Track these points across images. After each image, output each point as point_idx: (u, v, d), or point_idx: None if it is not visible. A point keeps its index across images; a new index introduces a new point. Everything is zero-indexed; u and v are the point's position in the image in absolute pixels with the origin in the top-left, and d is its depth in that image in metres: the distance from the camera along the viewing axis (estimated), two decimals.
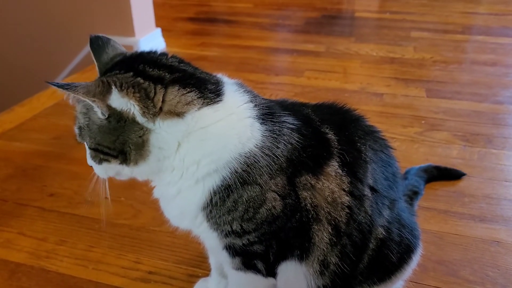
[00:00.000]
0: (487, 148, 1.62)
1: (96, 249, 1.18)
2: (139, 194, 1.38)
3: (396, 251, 0.83)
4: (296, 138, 0.74)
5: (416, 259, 0.89)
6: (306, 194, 0.74)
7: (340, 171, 0.76)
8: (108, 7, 2.37)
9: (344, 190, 0.76)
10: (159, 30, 2.61)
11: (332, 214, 0.75)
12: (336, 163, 0.76)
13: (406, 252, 0.85)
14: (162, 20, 2.79)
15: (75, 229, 1.25)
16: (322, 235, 0.76)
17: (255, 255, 0.77)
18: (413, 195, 1.25)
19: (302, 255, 0.77)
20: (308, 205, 0.74)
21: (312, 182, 0.74)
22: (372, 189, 0.79)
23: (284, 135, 0.74)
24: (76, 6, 2.44)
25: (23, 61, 2.65)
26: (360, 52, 2.58)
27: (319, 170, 0.75)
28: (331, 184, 0.75)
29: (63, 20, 2.49)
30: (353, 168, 0.77)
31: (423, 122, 1.80)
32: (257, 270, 0.79)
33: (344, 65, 2.40)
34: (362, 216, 0.78)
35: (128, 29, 2.39)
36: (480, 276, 1.09)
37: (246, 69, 2.33)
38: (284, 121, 0.75)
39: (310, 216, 0.75)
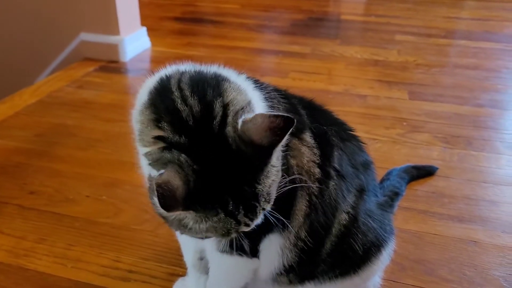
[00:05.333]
0: (467, 150, 1.65)
1: (76, 247, 1.17)
2: (120, 193, 1.37)
3: (361, 242, 0.83)
4: (282, 104, 0.76)
5: (387, 254, 0.90)
6: (292, 160, 0.75)
7: (312, 141, 0.77)
8: (93, 5, 2.35)
9: (315, 162, 0.77)
10: (144, 29, 2.59)
11: (308, 183, 0.77)
12: (309, 133, 0.77)
13: (374, 244, 0.85)
14: (148, 19, 2.78)
15: (55, 227, 1.24)
16: (302, 203, 0.77)
17: (245, 233, 0.76)
18: (393, 196, 1.27)
19: (285, 224, 0.77)
20: (295, 167, 0.75)
21: (296, 147, 0.75)
22: (337, 172, 0.80)
23: (273, 98, 0.75)
24: (61, 3, 2.41)
25: (6, 58, 2.62)
26: (345, 54, 2.60)
27: (301, 136, 0.76)
28: (307, 152, 0.76)
29: (47, 17, 2.46)
30: (321, 145, 0.78)
31: (405, 124, 1.82)
32: (243, 251, 0.78)
33: (329, 67, 2.42)
34: (327, 195, 0.78)
35: (112, 28, 2.37)
36: (458, 275, 1.11)
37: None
38: (271, 90, 0.77)
39: (296, 181, 0.75)
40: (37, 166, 1.51)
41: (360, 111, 1.93)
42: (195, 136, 0.61)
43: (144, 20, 2.61)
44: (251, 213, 0.63)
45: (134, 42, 2.48)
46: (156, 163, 0.62)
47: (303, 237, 0.79)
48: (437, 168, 1.49)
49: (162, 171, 0.59)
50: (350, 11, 3.58)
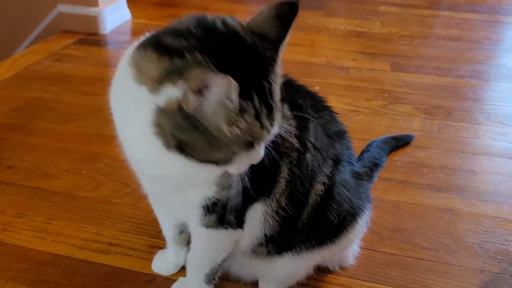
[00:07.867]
0: (446, 120, 1.66)
1: (56, 221, 1.17)
2: (100, 166, 1.36)
3: (336, 212, 0.84)
4: None
5: (363, 222, 0.91)
6: None
7: (289, 113, 0.78)
8: None
9: (291, 132, 0.77)
10: (124, 0, 2.53)
11: (288, 152, 0.77)
12: (286, 105, 0.77)
13: (349, 213, 0.87)
14: None
15: (34, 201, 1.23)
16: (284, 170, 0.78)
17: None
18: (373, 167, 1.28)
19: (269, 192, 0.78)
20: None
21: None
22: (313, 145, 0.81)
23: None
24: None
25: None
26: (328, 26, 2.57)
27: None
28: (285, 122, 0.75)
29: None
30: (297, 117, 0.79)
31: (386, 95, 1.82)
32: (228, 224, 0.78)
33: (312, 38, 2.39)
34: (304, 166, 0.79)
35: None
36: (433, 243, 1.13)
37: None
38: None
39: (280, 150, 0.75)
40: (15, 141, 1.49)
41: (343, 83, 1.92)
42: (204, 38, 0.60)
43: None
44: (270, 115, 0.62)
45: (114, 13, 2.41)
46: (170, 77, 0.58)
47: (284, 205, 0.80)
48: (413, 137, 1.51)
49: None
50: None
